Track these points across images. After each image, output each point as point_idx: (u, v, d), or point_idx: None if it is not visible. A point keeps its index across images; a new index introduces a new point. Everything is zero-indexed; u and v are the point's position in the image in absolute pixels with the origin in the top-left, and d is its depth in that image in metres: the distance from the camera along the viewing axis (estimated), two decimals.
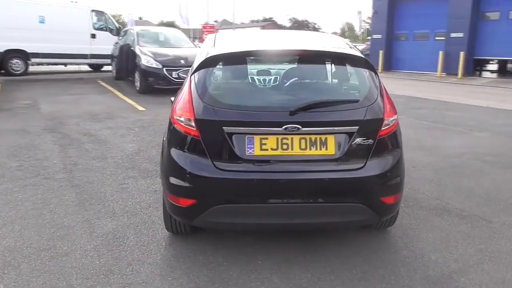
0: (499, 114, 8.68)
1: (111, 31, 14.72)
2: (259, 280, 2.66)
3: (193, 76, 2.79)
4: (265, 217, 2.68)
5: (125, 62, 10.98)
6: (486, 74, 20.35)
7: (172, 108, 2.85)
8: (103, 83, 12.69)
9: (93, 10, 14.42)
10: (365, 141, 2.63)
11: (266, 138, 2.56)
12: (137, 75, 10.54)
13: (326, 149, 2.59)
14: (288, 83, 2.87)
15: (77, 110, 8.23)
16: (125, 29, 13.76)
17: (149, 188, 4.14)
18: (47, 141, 5.84)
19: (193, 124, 2.61)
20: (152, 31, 12.41)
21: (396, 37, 21.84)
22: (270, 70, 3.01)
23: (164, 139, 2.97)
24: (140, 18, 74.29)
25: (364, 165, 2.65)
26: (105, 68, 16.08)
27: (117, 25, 15.21)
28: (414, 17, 20.53)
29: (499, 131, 7.01)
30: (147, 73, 10.11)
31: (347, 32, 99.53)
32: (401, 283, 2.63)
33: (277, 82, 2.96)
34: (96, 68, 16.61)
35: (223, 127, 2.57)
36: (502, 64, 20.98)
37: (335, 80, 2.86)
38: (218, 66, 2.82)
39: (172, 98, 3.23)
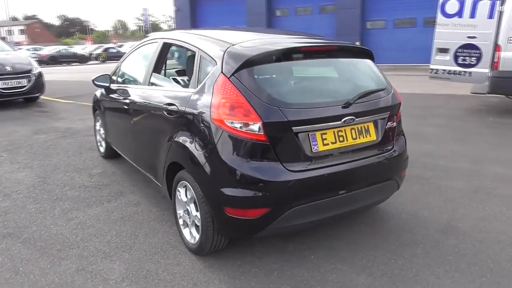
0: None
1: None
2: (330, 272, 2.69)
3: (233, 77, 2.54)
4: (332, 209, 2.72)
5: None
6: None
7: (211, 115, 2.53)
8: None
9: None
10: (392, 124, 2.95)
11: (326, 133, 2.59)
12: None
13: (370, 135, 2.79)
14: (328, 77, 2.91)
15: None
16: None
17: (112, 217, 3.49)
18: None
19: (258, 128, 2.41)
20: None
21: None
22: (309, 66, 2.96)
23: (201, 151, 2.60)
24: None
25: (393, 145, 2.97)
26: None
27: None
28: (216, 14, 21.85)
29: None
30: None
31: (120, 30, 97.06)
32: (429, 239, 3.05)
33: (319, 77, 2.95)
34: None
35: (292, 128, 2.48)
36: None
37: (360, 71, 3.04)
38: (261, 65, 2.64)
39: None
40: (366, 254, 2.89)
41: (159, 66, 3.53)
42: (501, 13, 6.50)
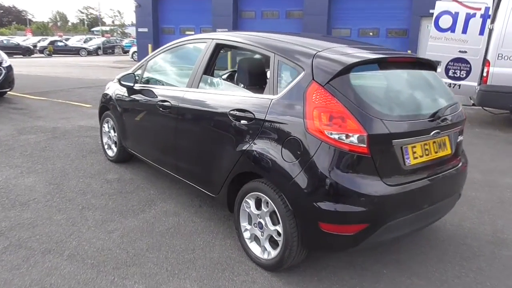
0: None
1: None
2: (411, 287, 2.67)
3: (328, 85, 2.43)
4: (418, 223, 2.69)
5: None
6: None
7: (306, 124, 2.40)
8: None
9: None
10: (460, 138, 2.97)
11: (415, 146, 2.56)
12: None
13: (446, 149, 2.79)
14: (411, 89, 2.86)
15: None
16: None
17: (156, 229, 3.22)
18: None
19: (360, 140, 2.31)
20: None
21: (163, 30, 22.19)
22: (392, 77, 2.87)
23: (292, 162, 2.45)
24: None
25: (461, 159, 3.00)
26: None
27: None
28: (179, 12, 21.35)
29: None
30: None
31: (60, 22, 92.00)
32: (486, 252, 3.10)
33: (404, 89, 2.88)
34: None
35: (392, 140, 2.42)
36: None
37: (433, 84, 3.02)
38: (356, 73, 2.54)
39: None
40: (435, 268, 2.88)
41: (209, 68, 3.32)
42: (491, 30, 6.88)
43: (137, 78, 4.06)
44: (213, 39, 3.35)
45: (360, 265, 2.86)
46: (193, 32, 21.41)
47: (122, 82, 4.01)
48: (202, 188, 3.27)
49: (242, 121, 2.79)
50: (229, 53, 4.60)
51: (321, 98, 2.43)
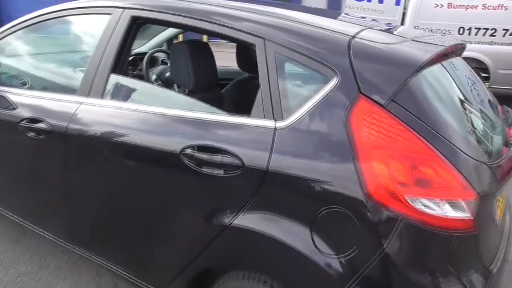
0: None
1: None
2: None
3: (394, 104, 1.27)
4: None
5: None
6: None
7: (363, 183, 1.24)
8: None
9: None
10: None
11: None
12: None
13: None
14: (475, 98, 1.76)
15: None
16: None
17: None
18: None
19: (459, 208, 1.25)
20: None
21: None
22: (452, 81, 1.69)
23: (337, 256, 1.27)
24: None
25: None
26: None
27: None
28: None
29: None
30: None
31: None
32: None
33: (471, 100, 1.73)
34: None
35: (496, 196, 1.42)
36: None
37: (475, 82, 1.98)
38: (425, 80, 1.41)
39: None
40: None
41: (122, 61, 1.85)
42: (407, 0, 6.42)
43: None
44: (124, 8, 1.86)
45: None
46: None
47: None
48: (131, 275, 1.88)
49: (212, 170, 1.48)
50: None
51: (386, 129, 1.27)
